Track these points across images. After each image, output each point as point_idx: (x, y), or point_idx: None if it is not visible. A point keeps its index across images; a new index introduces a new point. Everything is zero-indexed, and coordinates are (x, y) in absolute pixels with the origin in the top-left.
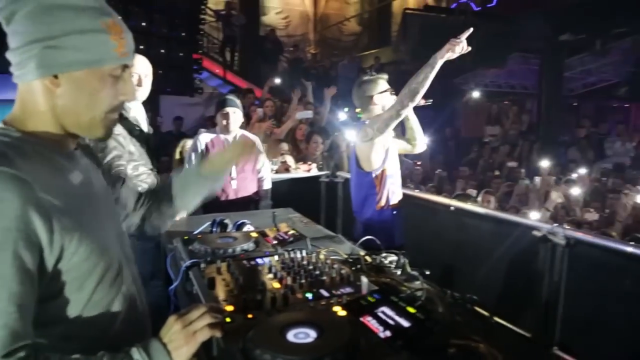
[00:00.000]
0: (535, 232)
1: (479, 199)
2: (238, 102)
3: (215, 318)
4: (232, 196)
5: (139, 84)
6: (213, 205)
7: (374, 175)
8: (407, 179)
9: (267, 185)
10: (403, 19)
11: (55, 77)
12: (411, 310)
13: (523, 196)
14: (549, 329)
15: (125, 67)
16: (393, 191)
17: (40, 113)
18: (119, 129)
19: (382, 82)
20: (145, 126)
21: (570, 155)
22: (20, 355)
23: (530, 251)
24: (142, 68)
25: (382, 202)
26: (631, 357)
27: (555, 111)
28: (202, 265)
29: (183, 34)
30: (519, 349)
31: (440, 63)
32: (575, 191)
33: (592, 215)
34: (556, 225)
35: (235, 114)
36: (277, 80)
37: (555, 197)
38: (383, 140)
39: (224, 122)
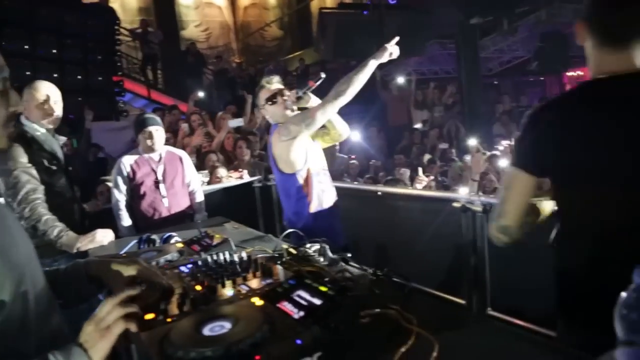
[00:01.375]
0: (455, 204)
1: (421, 180)
2: (158, 119)
3: (126, 309)
4: (165, 214)
5: (49, 111)
6: (146, 225)
7: (298, 176)
8: (344, 173)
9: (200, 197)
10: (319, 18)
11: None
12: (323, 289)
13: (457, 176)
14: (481, 293)
15: (5, 80)
16: (323, 189)
17: None
18: (26, 160)
19: (266, 90)
20: (61, 156)
21: (495, 130)
22: None
23: (454, 223)
24: (51, 94)
25: (315, 204)
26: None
27: (476, 91)
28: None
29: (99, 57)
30: (457, 315)
31: (373, 65)
32: (503, 163)
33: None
34: (473, 194)
35: (158, 132)
36: (201, 94)
37: (478, 166)
38: (302, 139)
39: (149, 141)
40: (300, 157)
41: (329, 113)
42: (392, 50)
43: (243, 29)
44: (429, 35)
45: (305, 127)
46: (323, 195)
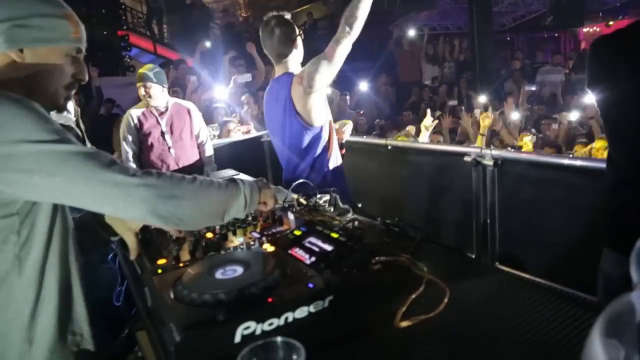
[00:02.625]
0: (466, 158)
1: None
2: (151, 74)
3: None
4: (173, 165)
5: None
6: None
7: (324, 130)
8: (353, 130)
9: (209, 151)
10: None
11: (21, 51)
12: (334, 235)
13: (463, 135)
14: (491, 247)
15: (79, 51)
16: (337, 145)
17: (9, 81)
18: None
19: (294, 24)
20: (73, 125)
21: (507, 88)
22: None
23: (465, 177)
24: None
25: (333, 159)
26: (563, 260)
27: (489, 47)
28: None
29: (103, 10)
30: (464, 268)
31: None
32: (515, 116)
33: (530, 138)
34: (484, 147)
35: (150, 88)
36: (208, 44)
37: (486, 121)
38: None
39: (144, 95)
40: (325, 109)
41: (347, 48)
42: None
43: None
44: None
45: (331, 72)
46: (337, 150)
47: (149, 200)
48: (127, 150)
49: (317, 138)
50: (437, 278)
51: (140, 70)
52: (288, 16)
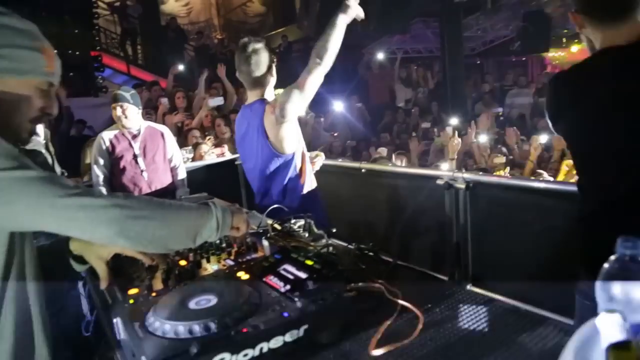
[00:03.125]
0: (439, 181)
1: (393, 160)
2: (129, 96)
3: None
4: (145, 189)
5: None
6: None
7: (296, 157)
8: (327, 152)
9: (182, 174)
10: None
11: None
12: (309, 262)
13: (439, 153)
14: (464, 269)
15: (51, 85)
16: (311, 169)
17: None
18: None
19: (269, 50)
20: (42, 149)
21: (477, 110)
22: None
23: (438, 200)
24: None
25: (307, 184)
26: (535, 282)
27: (459, 70)
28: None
29: (76, 30)
30: (438, 292)
31: (343, 20)
32: (482, 138)
33: (499, 160)
34: (456, 171)
35: (124, 108)
36: (181, 67)
37: (454, 145)
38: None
39: (116, 117)
40: (297, 136)
41: (319, 79)
42: (354, 5)
43: (225, 4)
44: (413, 12)
45: (303, 101)
46: (312, 174)
47: (118, 220)
48: (98, 174)
49: (288, 164)
50: (411, 304)
51: (117, 91)
52: (264, 42)
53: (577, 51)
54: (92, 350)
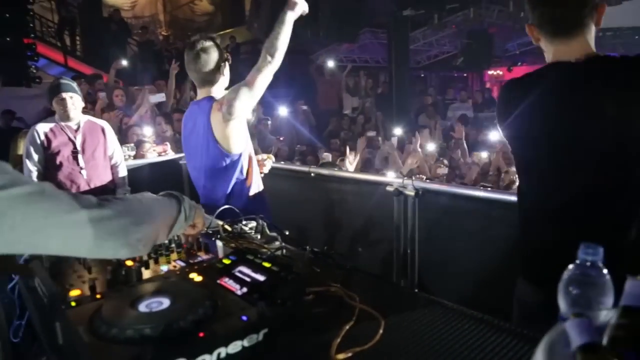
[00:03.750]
0: (389, 188)
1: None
2: (75, 86)
3: None
4: (84, 186)
5: None
6: None
7: (243, 157)
8: (274, 156)
9: (123, 172)
10: None
11: None
12: (266, 264)
13: (383, 160)
14: (410, 275)
15: None
16: (258, 171)
17: None
18: None
19: (220, 49)
20: None
21: (420, 121)
22: None
23: (387, 206)
24: None
25: (254, 186)
26: (478, 287)
27: (404, 82)
28: (43, 256)
29: (7, 14)
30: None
31: (291, 17)
32: (431, 147)
33: (442, 170)
34: (406, 178)
35: (73, 99)
36: (124, 62)
37: (411, 162)
38: (246, 116)
39: (61, 109)
40: (245, 136)
41: (268, 77)
42: (300, 1)
43: (171, 0)
44: (363, 22)
45: (251, 100)
46: (259, 177)
47: (124, 229)
48: (31, 169)
49: (234, 164)
50: (370, 307)
51: (61, 81)
52: (217, 40)
53: (513, 70)
54: (23, 356)
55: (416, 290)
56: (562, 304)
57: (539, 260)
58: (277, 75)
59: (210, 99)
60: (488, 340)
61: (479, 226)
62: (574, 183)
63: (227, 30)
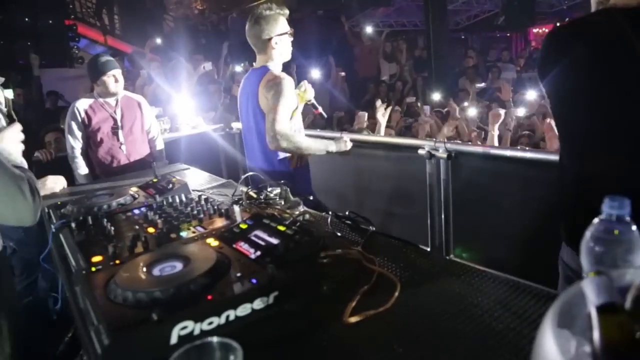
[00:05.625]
0: (420, 151)
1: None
2: (115, 61)
3: None
4: (124, 161)
5: None
6: (104, 173)
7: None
8: (310, 125)
9: (160, 145)
10: None
11: None
12: (281, 228)
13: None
14: (445, 240)
15: None
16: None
17: None
18: None
19: (282, 21)
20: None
21: (461, 85)
22: None
23: (420, 170)
24: None
25: (294, 160)
26: (517, 251)
27: (444, 45)
28: (73, 225)
29: None
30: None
31: (331, 149)
32: (472, 112)
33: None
34: (438, 140)
35: (116, 76)
36: (158, 41)
37: (447, 131)
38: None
39: (112, 86)
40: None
41: (285, 147)
42: (348, 143)
43: None
44: None
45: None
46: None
47: None
48: (73, 145)
49: None
50: (388, 271)
51: (103, 59)
52: (281, 12)
53: None
54: (67, 321)
55: (451, 256)
56: (585, 263)
57: (580, 228)
58: (310, 42)
59: (264, 68)
60: (511, 303)
61: (516, 187)
62: (618, 148)
63: (262, 1)
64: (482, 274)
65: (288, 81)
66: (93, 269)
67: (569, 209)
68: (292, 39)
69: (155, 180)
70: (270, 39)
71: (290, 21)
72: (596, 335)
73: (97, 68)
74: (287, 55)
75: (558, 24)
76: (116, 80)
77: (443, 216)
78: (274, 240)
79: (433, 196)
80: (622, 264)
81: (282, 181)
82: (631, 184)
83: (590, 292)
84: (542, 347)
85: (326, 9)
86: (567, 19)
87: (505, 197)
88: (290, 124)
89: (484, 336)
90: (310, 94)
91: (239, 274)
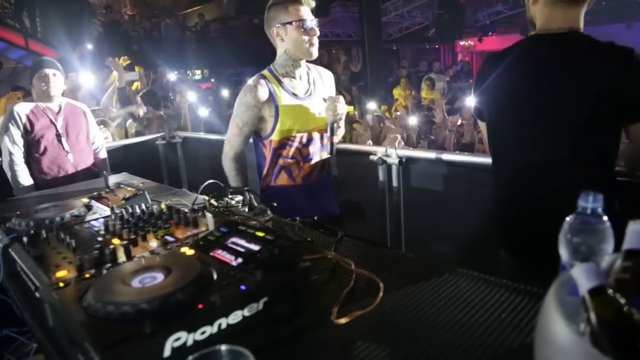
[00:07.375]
0: (372, 157)
1: None
2: (58, 64)
3: None
4: (71, 171)
5: None
6: (49, 183)
7: (263, 141)
8: None
9: (103, 154)
10: None
11: None
12: (260, 234)
13: (361, 136)
14: (398, 242)
15: None
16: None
17: None
18: None
19: (294, 9)
20: None
21: (395, 94)
22: None
23: (372, 175)
24: None
25: (269, 179)
26: (464, 252)
27: (378, 55)
28: (25, 240)
29: None
30: (388, 260)
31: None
32: (412, 121)
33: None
34: (389, 146)
35: (56, 77)
36: (89, 46)
37: (389, 140)
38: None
39: (43, 85)
40: (271, 121)
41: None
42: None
43: None
44: None
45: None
46: (282, 173)
47: None
48: (13, 152)
49: (258, 148)
50: (368, 272)
51: (42, 57)
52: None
53: (483, 41)
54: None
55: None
56: (564, 253)
57: (513, 232)
58: (244, 53)
59: (257, 74)
60: (487, 296)
61: (464, 191)
62: (537, 155)
63: (196, 8)
64: (456, 271)
65: (243, 91)
66: (61, 284)
67: (503, 223)
68: (309, 28)
69: (107, 190)
70: (272, 31)
71: (228, 28)
72: (592, 315)
73: (33, 66)
74: (298, 51)
75: (493, 52)
76: (50, 81)
77: (396, 219)
78: (255, 247)
79: (385, 200)
80: (598, 252)
81: (247, 188)
82: (548, 184)
83: (581, 277)
84: (547, 311)
85: (263, 18)
86: (489, 33)
87: (453, 199)
88: (238, 141)
89: (470, 327)
90: (342, 106)
91: (224, 282)
